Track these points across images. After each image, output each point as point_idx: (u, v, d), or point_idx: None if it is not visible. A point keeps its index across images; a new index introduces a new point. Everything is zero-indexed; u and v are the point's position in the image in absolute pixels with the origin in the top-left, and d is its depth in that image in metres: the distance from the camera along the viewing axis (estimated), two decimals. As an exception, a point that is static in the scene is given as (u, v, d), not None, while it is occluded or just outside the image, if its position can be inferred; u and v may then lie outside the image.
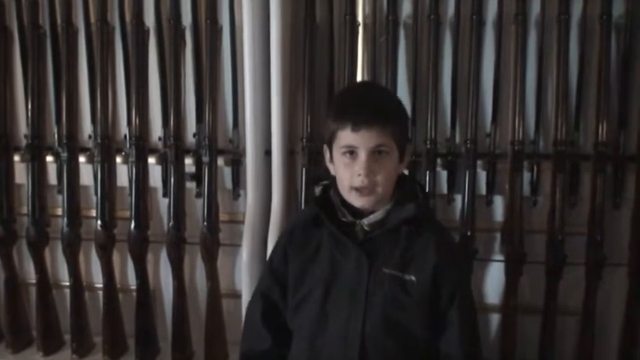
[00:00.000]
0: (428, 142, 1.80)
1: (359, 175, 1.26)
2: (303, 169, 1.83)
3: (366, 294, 1.29)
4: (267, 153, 1.87)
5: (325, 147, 1.34)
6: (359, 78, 1.85)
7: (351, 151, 1.27)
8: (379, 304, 1.29)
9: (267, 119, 1.85)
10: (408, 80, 1.84)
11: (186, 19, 1.91)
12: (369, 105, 1.29)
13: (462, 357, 1.31)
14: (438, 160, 1.82)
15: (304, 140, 1.82)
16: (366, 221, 1.31)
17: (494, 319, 1.88)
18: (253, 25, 1.81)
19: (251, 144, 1.86)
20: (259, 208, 1.88)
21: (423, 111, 1.80)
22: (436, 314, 1.31)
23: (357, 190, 1.27)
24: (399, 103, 1.37)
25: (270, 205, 1.87)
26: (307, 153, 1.82)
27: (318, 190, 1.37)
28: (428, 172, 1.81)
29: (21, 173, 2.02)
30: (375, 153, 1.26)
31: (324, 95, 1.86)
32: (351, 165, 1.27)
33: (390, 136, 1.26)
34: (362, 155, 1.26)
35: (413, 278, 1.29)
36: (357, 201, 1.29)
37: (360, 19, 1.84)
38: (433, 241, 1.30)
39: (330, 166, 1.33)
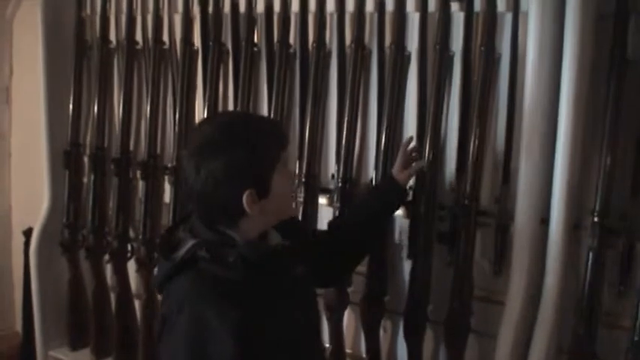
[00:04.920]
0: None
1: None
2: (590, 253, 1.47)
3: None
4: (544, 222, 1.54)
5: (249, 192, 1.23)
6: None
7: None
8: None
9: (548, 178, 1.52)
10: None
11: (456, 44, 1.66)
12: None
13: None
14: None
15: (596, 214, 1.46)
16: None
17: None
18: (541, 56, 1.50)
19: (523, 207, 1.55)
20: (525, 290, 1.55)
21: None
22: None
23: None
24: None
25: (542, 288, 1.54)
26: (598, 232, 1.46)
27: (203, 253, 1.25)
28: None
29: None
30: None
31: (631, 156, 1.48)
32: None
33: None
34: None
35: None
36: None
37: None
38: None
39: (256, 207, 1.25)
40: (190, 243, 1.25)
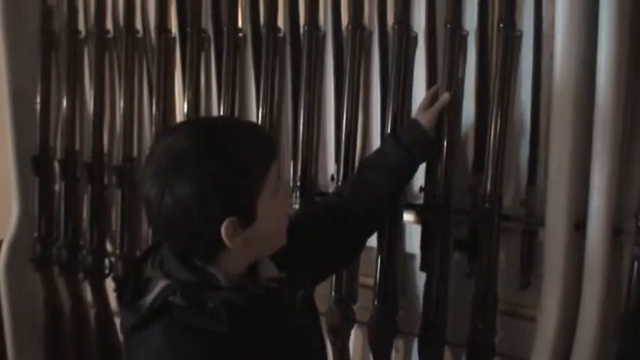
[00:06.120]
0: None
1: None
2: (635, 263, 1.31)
3: None
4: (579, 227, 1.38)
5: (229, 221, 1.04)
6: None
7: None
8: None
9: (583, 176, 1.37)
10: None
11: (471, 22, 1.50)
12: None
13: None
14: None
15: (640, 217, 1.31)
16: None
17: None
18: (571, 33, 1.34)
19: (553, 210, 1.39)
20: (559, 307, 1.39)
21: None
22: None
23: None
24: None
25: (579, 304, 1.38)
26: (645, 238, 1.30)
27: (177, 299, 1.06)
28: None
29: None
30: None
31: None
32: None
33: None
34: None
35: None
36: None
37: None
38: None
39: (239, 239, 1.05)
40: (161, 285, 1.05)
